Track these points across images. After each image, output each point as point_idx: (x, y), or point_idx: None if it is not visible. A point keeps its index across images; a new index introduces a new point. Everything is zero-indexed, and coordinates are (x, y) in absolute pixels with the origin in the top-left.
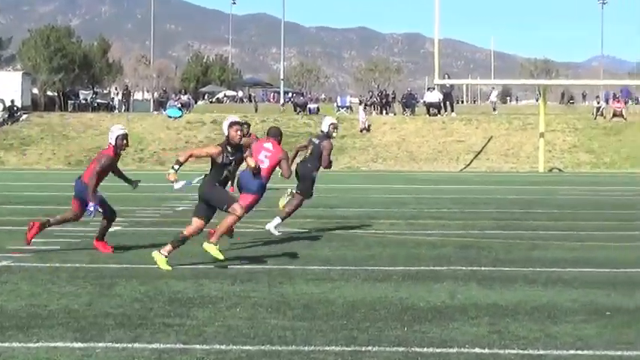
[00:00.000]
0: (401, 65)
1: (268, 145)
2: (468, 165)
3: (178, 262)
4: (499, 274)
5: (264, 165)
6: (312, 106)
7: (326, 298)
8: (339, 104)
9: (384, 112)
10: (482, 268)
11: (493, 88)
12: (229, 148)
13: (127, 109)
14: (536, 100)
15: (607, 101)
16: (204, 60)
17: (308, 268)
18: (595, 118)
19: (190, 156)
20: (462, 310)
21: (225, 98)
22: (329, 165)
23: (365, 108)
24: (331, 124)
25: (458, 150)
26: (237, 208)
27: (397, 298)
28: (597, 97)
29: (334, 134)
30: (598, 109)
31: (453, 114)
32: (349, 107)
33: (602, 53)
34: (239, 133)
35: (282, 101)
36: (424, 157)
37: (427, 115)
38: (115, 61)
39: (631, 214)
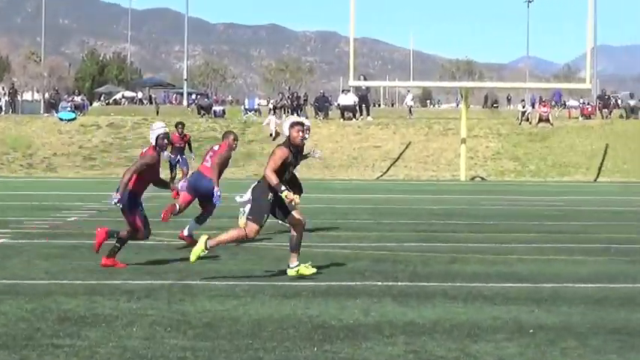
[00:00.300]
0: (314, 65)
1: (217, 147)
2: (385, 173)
3: (68, 277)
4: (416, 290)
5: (208, 164)
6: (217, 108)
7: (230, 316)
8: (247, 107)
9: (295, 115)
10: (399, 284)
11: (408, 90)
12: (291, 149)
13: (15, 111)
14: (457, 104)
15: (533, 105)
16: (101, 58)
17: (211, 283)
18: (520, 123)
19: (276, 173)
20: (376, 328)
21: (123, 99)
22: None
23: (274, 112)
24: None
25: (374, 156)
26: (250, 229)
27: (307, 315)
28: (523, 100)
29: (306, 136)
30: (523, 113)
31: (369, 118)
32: (258, 110)
33: (527, 54)
34: (301, 133)
35: (185, 103)
36: (338, 164)
37: (341, 120)
38: (2, 58)
39: (556, 225)
